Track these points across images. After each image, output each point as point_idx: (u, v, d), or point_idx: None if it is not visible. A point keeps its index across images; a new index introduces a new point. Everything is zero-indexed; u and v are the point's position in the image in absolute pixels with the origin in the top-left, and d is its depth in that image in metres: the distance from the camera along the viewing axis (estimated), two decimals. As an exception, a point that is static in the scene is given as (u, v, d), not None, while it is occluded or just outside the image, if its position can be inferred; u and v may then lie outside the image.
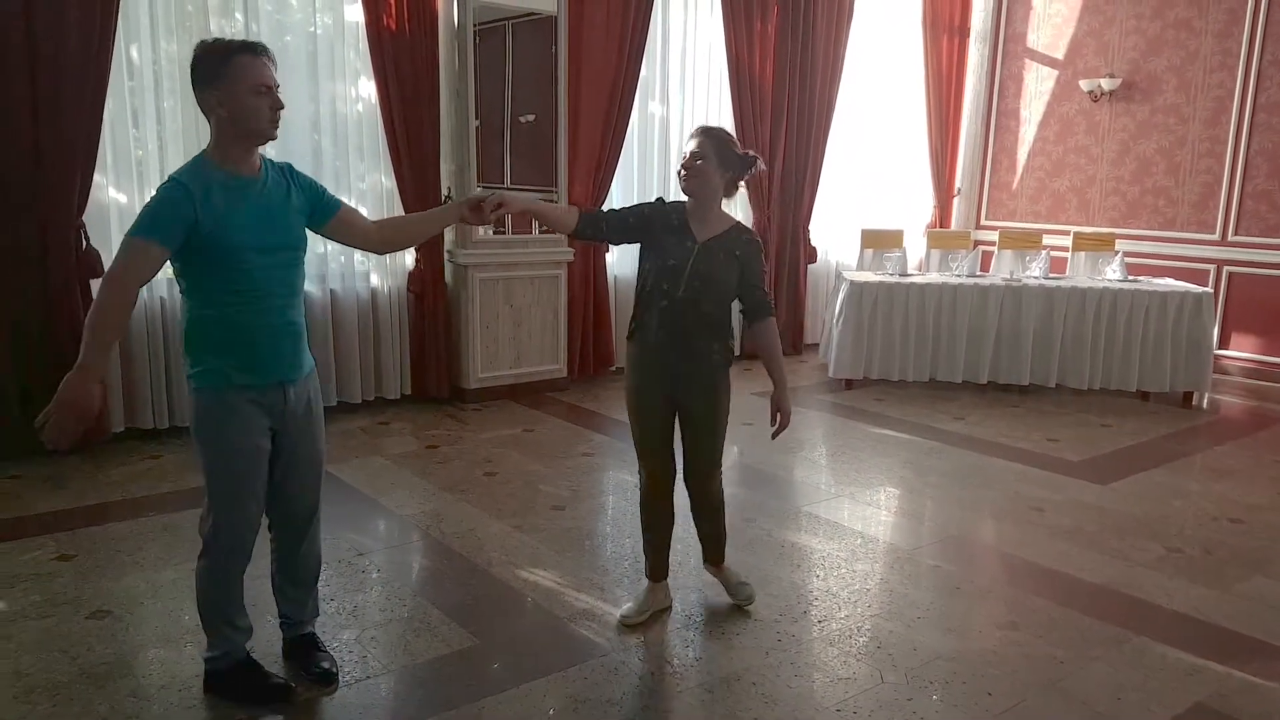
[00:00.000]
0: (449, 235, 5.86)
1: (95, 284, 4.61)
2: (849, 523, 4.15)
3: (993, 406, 6.31)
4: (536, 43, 6.06)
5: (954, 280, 6.61)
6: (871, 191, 8.36)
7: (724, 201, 3.10)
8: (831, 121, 7.72)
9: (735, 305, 3.10)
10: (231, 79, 2.38)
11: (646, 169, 6.94)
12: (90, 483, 4.38)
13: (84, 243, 4.62)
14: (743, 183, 3.13)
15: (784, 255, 7.70)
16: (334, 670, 2.80)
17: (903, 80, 8.40)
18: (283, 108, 2.49)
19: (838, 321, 6.67)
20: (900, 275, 6.75)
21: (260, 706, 2.65)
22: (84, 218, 4.61)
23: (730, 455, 5.22)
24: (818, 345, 7.68)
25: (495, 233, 6.08)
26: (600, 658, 2.96)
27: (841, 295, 6.67)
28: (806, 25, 7.37)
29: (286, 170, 2.61)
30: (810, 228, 7.81)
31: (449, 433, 5.37)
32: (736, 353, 7.34)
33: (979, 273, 7.05)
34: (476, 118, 5.76)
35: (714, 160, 2.97)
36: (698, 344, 3.02)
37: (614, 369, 6.80)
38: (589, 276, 6.50)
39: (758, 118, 7.20)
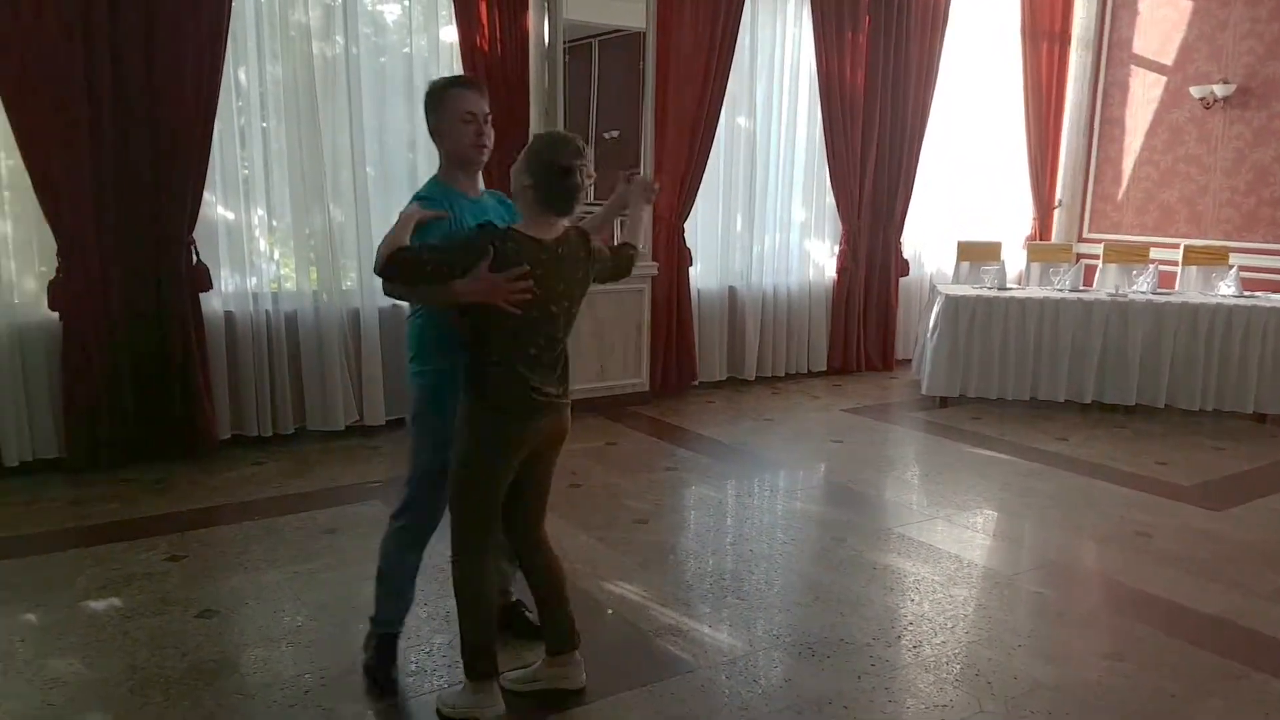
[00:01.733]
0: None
1: (204, 297, 4.88)
2: (944, 545, 4.04)
3: (1097, 427, 6.07)
4: (622, 59, 6.11)
5: (1056, 295, 6.39)
6: (968, 203, 8.15)
7: (557, 218, 2.56)
8: (925, 131, 7.56)
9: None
10: (444, 109, 2.69)
11: (732, 183, 6.91)
12: (198, 487, 4.57)
13: (194, 258, 4.83)
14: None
15: (874, 267, 7.57)
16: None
17: (1000, 88, 8.18)
18: (483, 134, 2.70)
19: (932, 336, 6.52)
20: (999, 289, 6.56)
21: (372, 683, 2.83)
22: (194, 234, 4.82)
23: (817, 473, 5.15)
24: (910, 361, 7.52)
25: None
26: (687, 674, 2.94)
27: (936, 309, 6.52)
28: (899, 34, 7.25)
29: (500, 196, 2.92)
30: (903, 239, 7.67)
31: (537, 444, 5.42)
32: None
33: (1082, 287, 6.81)
34: (566, 134, 5.84)
35: (520, 163, 2.55)
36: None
37: (696, 384, 6.79)
38: (672, 291, 6.50)
39: (848, 128, 7.11)
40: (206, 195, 4.85)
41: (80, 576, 3.52)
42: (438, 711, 2.70)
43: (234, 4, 4.72)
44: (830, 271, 7.46)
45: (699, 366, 6.79)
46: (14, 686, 2.77)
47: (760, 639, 3.19)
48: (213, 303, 5.01)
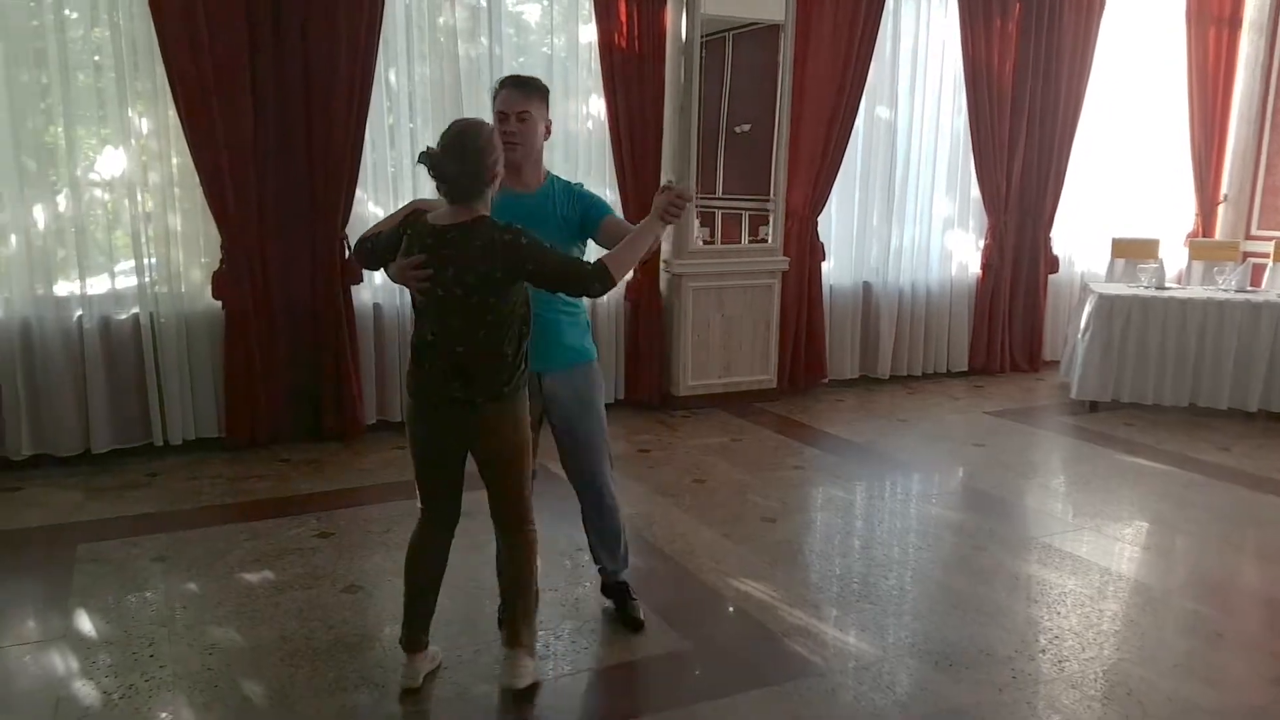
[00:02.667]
0: (665, 246, 5.95)
1: (355, 289, 5.11)
2: (1091, 557, 3.83)
3: (1264, 437, 5.63)
4: (757, 51, 6.05)
5: (1220, 295, 5.96)
6: (1123, 197, 7.69)
7: (452, 204, 2.57)
8: (1078, 121, 7.19)
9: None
10: (491, 109, 2.86)
11: (869, 175, 6.74)
12: (346, 468, 4.80)
13: (346, 253, 5.07)
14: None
15: (1021, 263, 7.26)
16: (641, 619, 3.16)
17: (1162, 76, 7.68)
18: (510, 131, 2.74)
19: (1083, 337, 6.19)
20: (1156, 288, 6.17)
21: None
22: (346, 229, 5.05)
23: (955, 477, 4.98)
24: (1058, 363, 7.16)
25: (705, 243, 6.13)
26: (816, 677, 2.89)
27: (1088, 309, 6.18)
28: (1052, 20, 6.91)
29: (572, 187, 2.93)
30: (1052, 235, 7.32)
31: (659, 438, 5.44)
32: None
33: (1249, 287, 6.33)
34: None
35: None
36: None
37: (826, 382, 6.67)
38: (803, 286, 6.40)
39: (995, 118, 6.83)
40: (358, 192, 5.07)
41: (237, 549, 3.75)
42: None
43: (385, 7, 4.93)
44: (973, 267, 7.19)
45: (829, 364, 6.66)
46: (176, 651, 2.97)
47: (893, 645, 3.10)
48: (362, 295, 5.25)
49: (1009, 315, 7.29)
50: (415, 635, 2.79)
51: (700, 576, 3.59)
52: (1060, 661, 3.00)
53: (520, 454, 2.67)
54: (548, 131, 2.87)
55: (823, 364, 6.59)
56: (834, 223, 6.67)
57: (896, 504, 4.61)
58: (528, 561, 2.77)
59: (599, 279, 2.54)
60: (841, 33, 6.14)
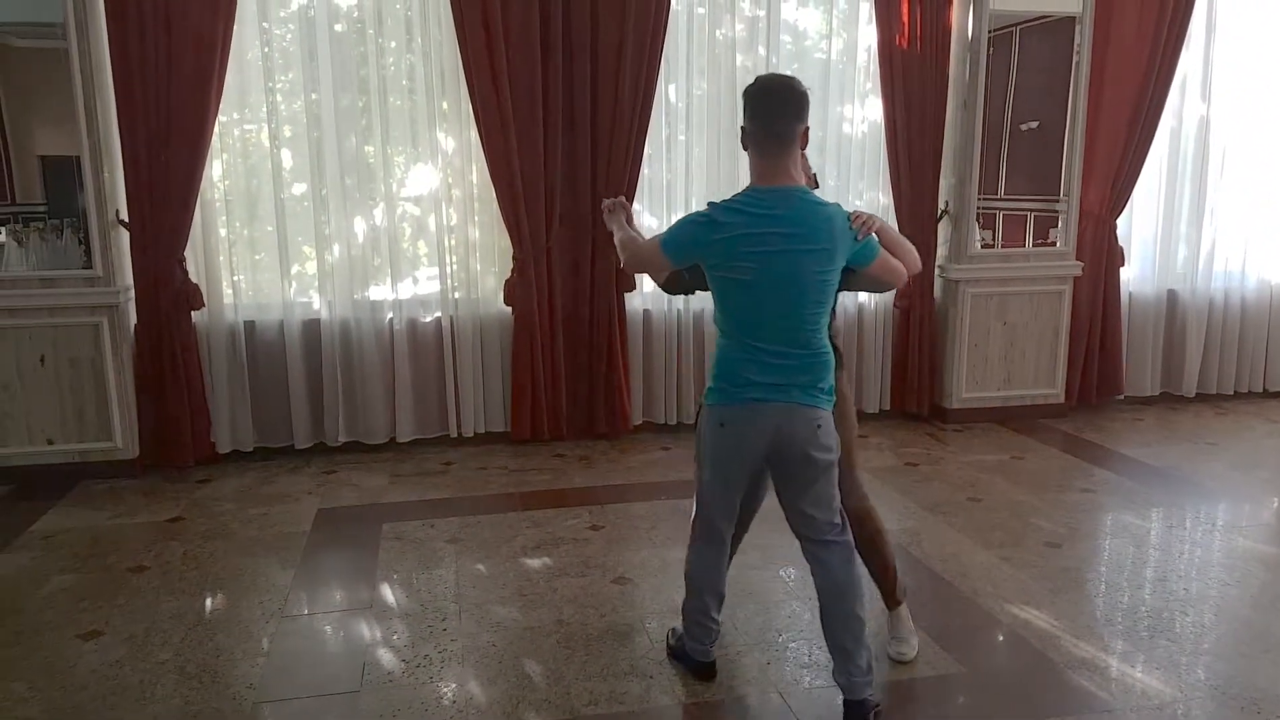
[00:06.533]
0: (941, 250, 5.71)
1: (627, 297, 5.34)
2: None
3: None
4: (1047, 45, 5.68)
5: None
6: None
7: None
8: None
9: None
10: None
11: (1177, 173, 6.11)
12: (615, 465, 5.03)
13: (621, 261, 5.31)
14: None
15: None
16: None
17: None
18: None
19: None
20: None
21: None
22: (622, 238, 5.31)
23: (1270, 508, 4.40)
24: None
25: (985, 246, 5.82)
26: (1102, 713, 2.67)
27: None
28: None
29: None
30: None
31: (928, 452, 5.24)
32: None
33: None
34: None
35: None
36: None
37: (1121, 398, 6.12)
38: (1099, 293, 5.91)
39: (1334, 107, 5.97)
40: (635, 204, 5.29)
41: (519, 536, 4.04)
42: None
43: (668, 23, 5.09)
44: (1300, 275, 6.33)
45: (1126, 379, 6.11)
46: (465, 626, 3.24)
47: (1190, 686, 2.81)
48: (634, 301, 5.49)
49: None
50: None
51: (975, 600, 3.42)
52: None
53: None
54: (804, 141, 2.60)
55: (1119, 379, 6.06)
56: (1135, 225, 6.11)
57: (1199, 534, 4.14)
58: None
59: None
60: (1147, 21, 5.63)
